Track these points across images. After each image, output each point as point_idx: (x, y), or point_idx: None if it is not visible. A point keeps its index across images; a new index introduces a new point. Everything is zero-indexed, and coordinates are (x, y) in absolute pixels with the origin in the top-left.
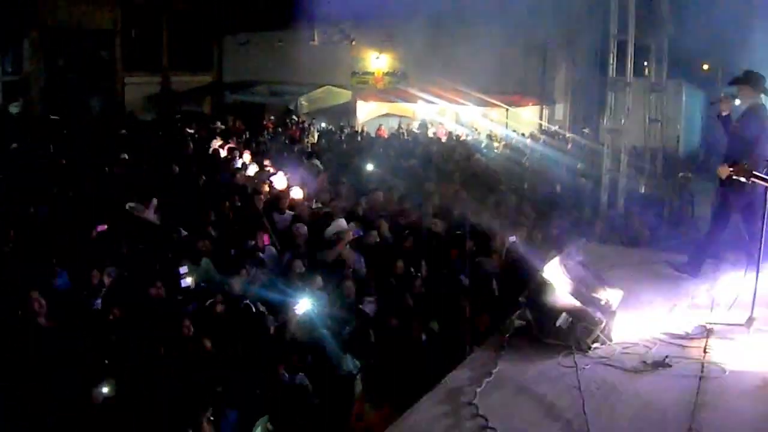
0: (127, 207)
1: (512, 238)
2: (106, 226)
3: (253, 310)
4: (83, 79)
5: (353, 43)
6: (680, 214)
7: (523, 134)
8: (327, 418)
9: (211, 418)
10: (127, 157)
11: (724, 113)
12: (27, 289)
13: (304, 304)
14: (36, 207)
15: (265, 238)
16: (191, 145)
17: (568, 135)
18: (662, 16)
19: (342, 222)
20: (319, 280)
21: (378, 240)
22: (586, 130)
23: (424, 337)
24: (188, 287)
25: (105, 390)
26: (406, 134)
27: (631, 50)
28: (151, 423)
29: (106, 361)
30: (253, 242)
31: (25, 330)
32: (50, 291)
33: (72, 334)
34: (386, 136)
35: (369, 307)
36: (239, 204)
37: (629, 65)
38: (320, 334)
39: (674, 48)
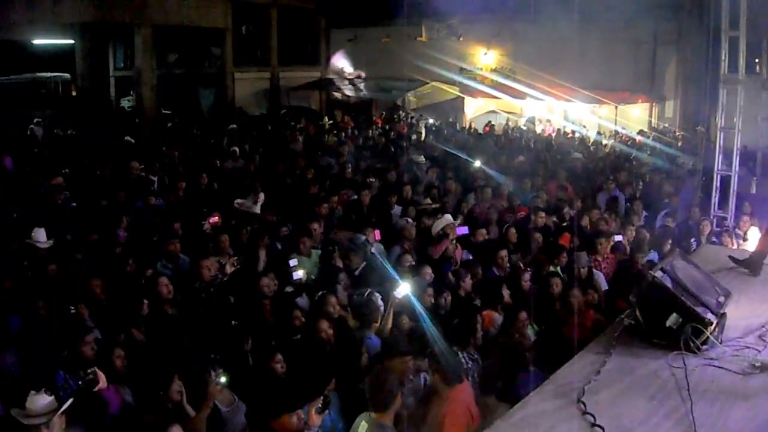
0: (235, 204)
1: (618, 237)
2: (218, 218)
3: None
4: (194, 75)
5: (461, 39)
6: None
7: (632, 132)
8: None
9: (320, 406)
10: (238, 150)
11: None
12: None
13: (404, 289)
14: (149, 198)
15: (376, 233)
16: (300, 140)
17: (678, 133)
18: None
19: (448, 217)
20: (428, 271)
21: (486, 237)
22: (700, 128)
23: (530, 333)
24: (299, 280)
25: (222, 380)
26: (512, 131)
27: (743, 47)
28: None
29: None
30: (364, 237)
31: (151, 316)
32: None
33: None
34: (495, 132)
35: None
36: (351, 198)
37: (741, 62)
38: (422, 322)
39: None
